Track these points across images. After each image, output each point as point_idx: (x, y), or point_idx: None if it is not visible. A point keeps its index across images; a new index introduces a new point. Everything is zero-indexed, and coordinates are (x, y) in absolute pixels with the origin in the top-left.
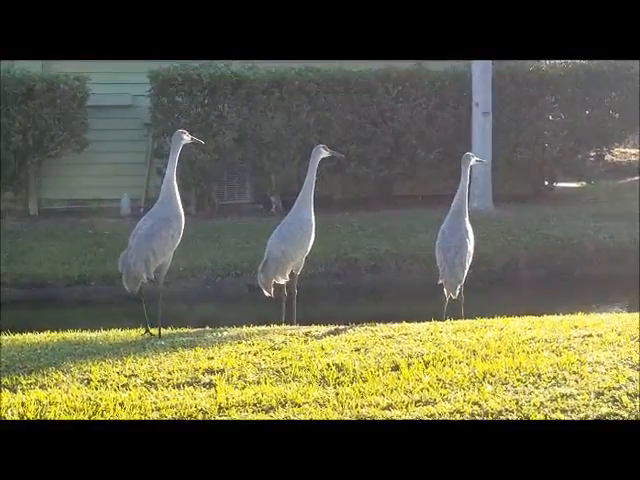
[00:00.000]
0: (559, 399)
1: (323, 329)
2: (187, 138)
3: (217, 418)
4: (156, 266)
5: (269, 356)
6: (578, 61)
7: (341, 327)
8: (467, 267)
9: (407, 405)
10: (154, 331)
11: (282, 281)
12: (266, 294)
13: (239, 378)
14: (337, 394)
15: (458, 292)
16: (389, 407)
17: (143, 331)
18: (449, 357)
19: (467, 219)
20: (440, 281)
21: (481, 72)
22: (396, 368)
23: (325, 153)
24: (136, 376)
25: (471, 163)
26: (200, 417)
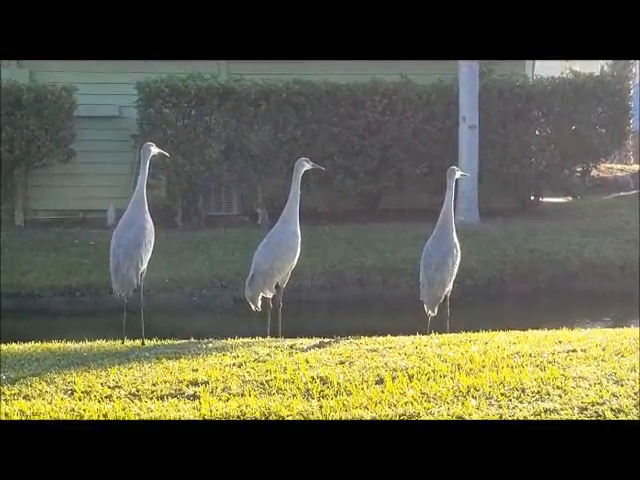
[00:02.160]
0: (543, 414)
1: (308, 342)
2: (155, 150)
3: None
4: (141, 271)
5: (253, 368)
6: (565, 76)
7: (326, 340)
8: (449, 284)
9: (391, 419)
10: (137, 342)
11: (269, 294)
12: (253, 308)
13: (223, 390)
14: (321, 407)
15: (437, 309)
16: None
17: (122, 342)
18: (433, 371)
19: (454, 233)
20: (421, 298)
21: (468, 86)
22: (380, 381)
23: (307, 166)
24: (120, 387)
25: (456, 177)
26: None
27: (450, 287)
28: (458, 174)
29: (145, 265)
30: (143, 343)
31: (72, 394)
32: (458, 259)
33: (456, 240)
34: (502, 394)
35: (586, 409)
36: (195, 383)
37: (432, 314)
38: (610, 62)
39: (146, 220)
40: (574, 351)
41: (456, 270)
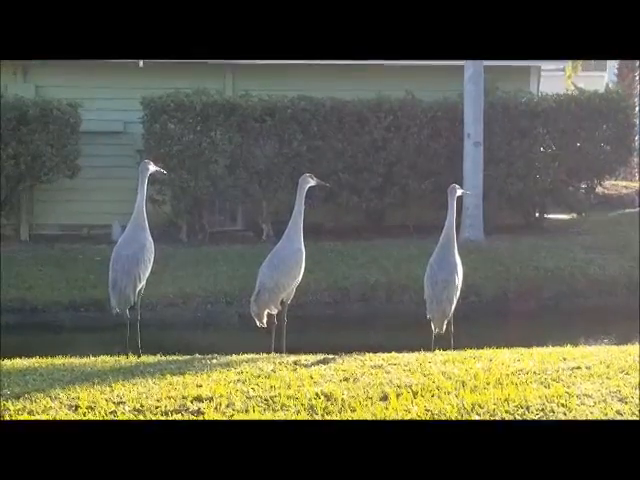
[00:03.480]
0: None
1: (312, 358)
2: (152, 168)
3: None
4: (139, 288)
5: (257, 384)
6: (570, 93)
7: (330, 356)
8: (455, 301)
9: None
10: (143, 358)
11: (274, 310)
12: (259, 324)
13: (227, 406)
14: None
15: (445, 327)
16: None
17: (127, 356)
18: (438, 388)
19: (456, 251)
20: (428, 316)
21: (473, 103)
22: (385, 398)
23: (312, 182)
24: (124, 403)
25: (457, 194)
26: None
27: (455, 304)
28: (459, 192)
29: (143, 282)
30: (139, 356)
31: (76, 409)
32: (460, 278)
33: (458, 259)
34: (506, 411)
35: None
36: (199, 399)
37: (440, 332)
38: (615, 79)
39: (145, 238)
40: (578, 368)
41: (460, 287)
